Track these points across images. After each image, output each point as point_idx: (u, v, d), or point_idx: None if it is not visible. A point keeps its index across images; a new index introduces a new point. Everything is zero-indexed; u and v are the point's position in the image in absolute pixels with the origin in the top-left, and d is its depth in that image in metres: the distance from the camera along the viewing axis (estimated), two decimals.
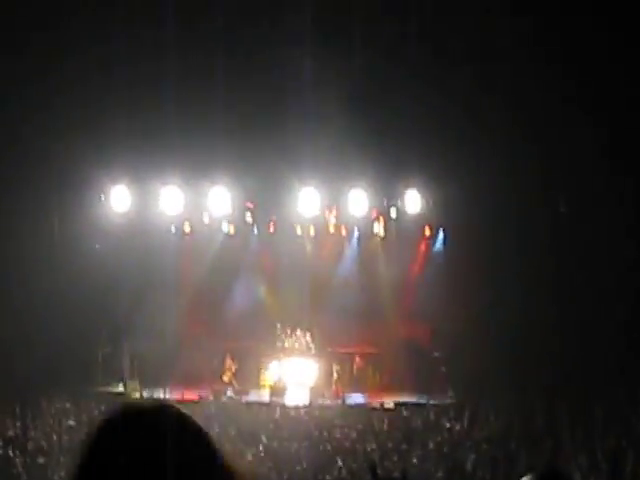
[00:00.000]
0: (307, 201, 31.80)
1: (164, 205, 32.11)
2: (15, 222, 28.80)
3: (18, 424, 23.27)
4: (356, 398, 30.40)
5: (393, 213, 32.89)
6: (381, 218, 33.48)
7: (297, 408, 27.45)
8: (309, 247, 34.30)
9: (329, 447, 21.42)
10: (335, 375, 31.50)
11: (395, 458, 20.40)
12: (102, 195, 31.89)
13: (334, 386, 31.10)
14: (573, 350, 27.41)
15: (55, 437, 22.30)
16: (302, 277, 33.16)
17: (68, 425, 23.81)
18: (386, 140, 28.41)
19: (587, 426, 22.69)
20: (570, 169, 28.49)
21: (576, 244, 29.01)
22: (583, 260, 28.84)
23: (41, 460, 19.78)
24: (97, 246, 31.60)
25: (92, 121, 28.23)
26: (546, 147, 28.50)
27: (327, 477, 18.60)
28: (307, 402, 29.13)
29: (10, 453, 20.02)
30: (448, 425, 24.63)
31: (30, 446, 21.14)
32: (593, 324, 27.87)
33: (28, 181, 28.81)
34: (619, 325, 27.61)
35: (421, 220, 32.73)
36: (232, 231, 33.98)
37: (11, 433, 22.25)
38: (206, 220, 33.42)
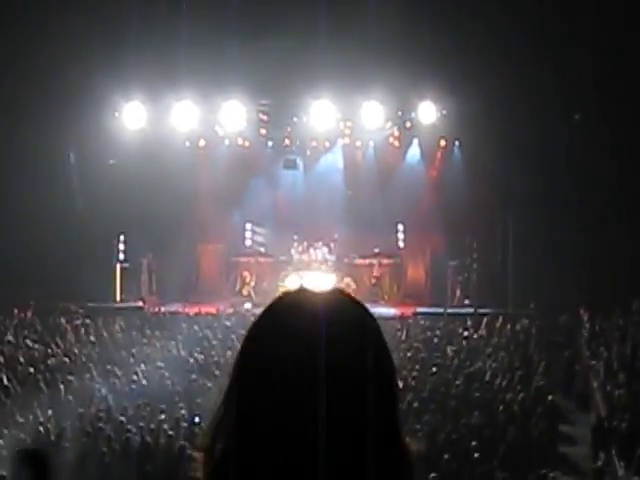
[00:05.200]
0: (322, 113, 31.60)
1: (178, 120, 31.94)
2: (32, 140, 28.74)
3: (39, 341, 23.50)
4: (374, 308, 30.44)
5: (408, 124, 32.66)
6: (396, 129, 33.26)
7: None
8: (324, 160, 34.18)
9: None
10: (350, 286, 31.62)
11: (416, 367, 20.56)
12: (116, 112, 31.73)
13: None
14: (592, 261, 27.34)
15: (76, 353, 22.56)
16: (318, 189, 33.16)
17: (89, 341, 24.07)
18: (400, 52, 28.09)
19: (605, 336, 22.80)
20: (585, 80, 28.14)
21: (591, 153, 28.76)
22: (598, 172, 28.61)
23: (63, 376, 20.02)
24: (111, 162, 31.53)
25: (105, 38, 28.03)
26: (561, 60, 28.18)
27: None
28: None
29: (31, 370, 20.24)
30: (466, 334, 24.78)
31: (52, 362, 21.37)
32: (612, 236, 27.75)
33: (44, 100, 28.68)
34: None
35: (436, 131, 32.44)
36: (247, 144, 33.82)
37: (33, 351, 22.48)
38: (220, 133, 33.27)
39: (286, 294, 1.80)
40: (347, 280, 31.75)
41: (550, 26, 28.13)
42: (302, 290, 1.77)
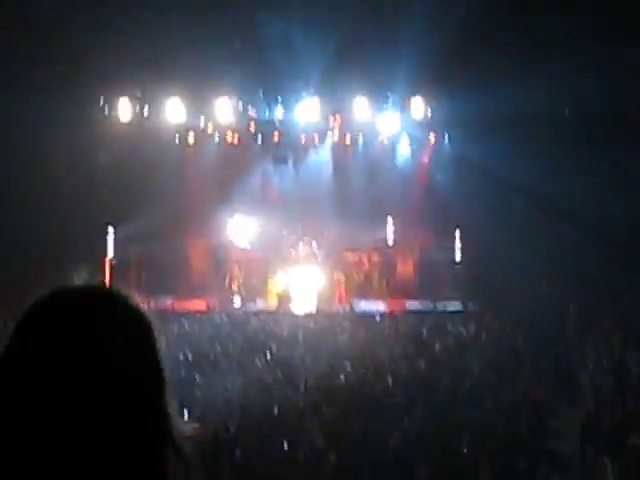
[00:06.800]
0: (311, 108, 31.65)
1: (168, 116, 32.03)
2: (22, 132, 28.62)
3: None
4: (363, 304, 30.56)
5: (398, 118, 32.68)
6: (385, 123, 33.27)
7: (304, 315, 27.63)
8: (313, 155, 34.19)
9: (337, 353, 21.60)
10: (340, 281, 31.67)
11: (402, 363, 20.56)
12: (107, 106, 31.74)
13: (338, 293, 31.29)
14: (583, 254, 27.37)
15: None
16: (307, 184, 33.15)
17: None
18: (390, 47, 28.07)
19: (594, 331, 22.83)
20: (575, 80, 28.12)
21: (584, 150, 28.79)
22: (592, 168, 28.65)
23: None
24: (101, 156, 31.49)
25: (98, 33, 27.93)
26: (553, 56, 28.16)
27: (336, 382, 18.79)
28: (314, 309, 29.31)
29: None
30: (455, 330, 24.79)
31: None
32: (600, 238, 27.79)
33: (36, 94, 28.57)
34: (625, 242, 27.51)
35: (426, 125, 32.52)
36: (236, 140, 33.83)
37: None
38: (210, 129, 33.31)
39: (45, 296, 1.93)
40: (337, 274, 31.78)
41: (543, 21, 28.10)
42: (64, 289, 1.90)
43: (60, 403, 1.75)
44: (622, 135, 28.06)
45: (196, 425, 2.03)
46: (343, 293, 31.41)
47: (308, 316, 27.41)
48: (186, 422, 1.95)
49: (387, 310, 29.20)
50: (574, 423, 17.01)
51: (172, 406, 1.90)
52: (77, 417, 1.75)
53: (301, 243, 32.50)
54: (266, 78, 29.96)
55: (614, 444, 14.74)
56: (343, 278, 31.85)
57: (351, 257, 33.06)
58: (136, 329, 1.91)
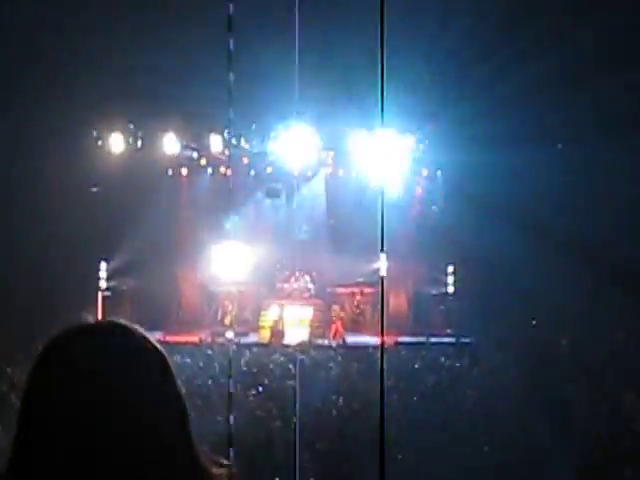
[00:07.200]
0: (304, 142, 31.67)
1: (161, 149, 32.06)
2: (14, 165, 28.60)
3: (19, 370, 23.26)
4: (355, 337, 30.49)
5: (390, 154, 32.73)
6: (378, 158, 33.32)
7: (296, 349, 27.51)
8: (306, 188, 34.21)
9: (329, 386, 21.50)
10: (334, 315, 31.59)
11: (395, 396, 20.48)
12: (100, 140, 31.78)
13: (334, 327, 31.22)
14: (576, 289, 27.35)
15: None
16: (300, 218, 33.15)
17: None
18: (383, 84, 28.12)
19: (586, 364, 22.78)
20: (565, 108, 28.22)
21: (572, 180, 28.84)
22: (577, 196, 28.70)
23: None
24: (94, 189, 31.47)
25: (91, 64, 28.01)
26: (543, 88, 28.27)
27: (328, 416, 18.69)
28: (307, 343, 29.20)
29: (13, 398, 20.07)
30: (447, 363, 24.72)
31: None
32: (592, 263, 27.79)
33: (27, 125, 28.60)
34: (616, 267, 27.49)
35: (418, 160, 32.60)
36: (229, 173, 33.85)
37: (15, 380, 22.24)
38: (202, 162, 33.35)
39: (67, 330, 1.92)
40: (330, 308, 31.74)
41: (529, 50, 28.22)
42: (81, 326, 1.89)
43: (83, 442, 1.73)
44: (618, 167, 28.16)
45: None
46: (338, 327, 31.33)
47: (301, 349, 27.27)
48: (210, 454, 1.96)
49: (379, 343, 29.06)
50: (569, 457, 16.94)
51: (196, 439, 1.91)
52: (99, 455, 1.73)
53: (294, 277, 32.47)
54: (260, 111, 29.99)
55: (610, 478, 14.69)
56: (337, 312, 31.79)
57: (344, 291, 33.03)
58: (154, 364, 1.90)
